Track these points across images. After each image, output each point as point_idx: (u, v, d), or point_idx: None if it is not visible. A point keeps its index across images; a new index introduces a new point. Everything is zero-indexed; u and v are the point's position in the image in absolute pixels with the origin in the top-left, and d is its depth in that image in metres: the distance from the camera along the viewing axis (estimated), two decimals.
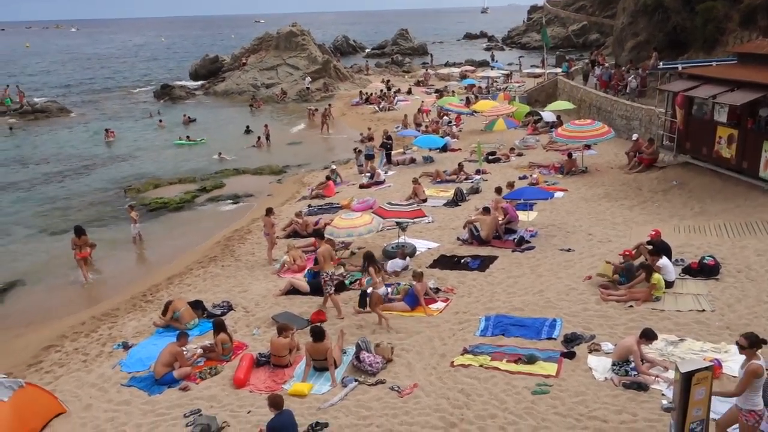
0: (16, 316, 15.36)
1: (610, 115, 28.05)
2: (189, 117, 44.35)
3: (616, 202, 19.01)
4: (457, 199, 20.99)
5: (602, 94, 30.19)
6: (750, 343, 6.82)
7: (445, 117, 36.93)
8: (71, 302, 16.12)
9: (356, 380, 10.08)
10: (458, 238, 16.93)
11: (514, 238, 16.32)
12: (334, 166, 26.61)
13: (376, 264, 12.94)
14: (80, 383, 10.96)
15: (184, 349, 10.98)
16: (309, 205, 22.51)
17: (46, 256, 19.43)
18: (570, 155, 23.57)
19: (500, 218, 16.90)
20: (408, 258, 15.30)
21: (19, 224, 23.51)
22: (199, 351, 11.43)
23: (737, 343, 7.11)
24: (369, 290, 12.79)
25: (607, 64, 34.74)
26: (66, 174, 31.32)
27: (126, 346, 12.23)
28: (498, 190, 18.57)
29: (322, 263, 12.78)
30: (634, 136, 23.35)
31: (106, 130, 39.89)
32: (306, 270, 15.09)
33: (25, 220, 24.03)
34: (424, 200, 21.09)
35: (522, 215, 17.52)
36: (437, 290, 13.41)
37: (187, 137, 37.81)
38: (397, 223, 16.11)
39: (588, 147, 24.47)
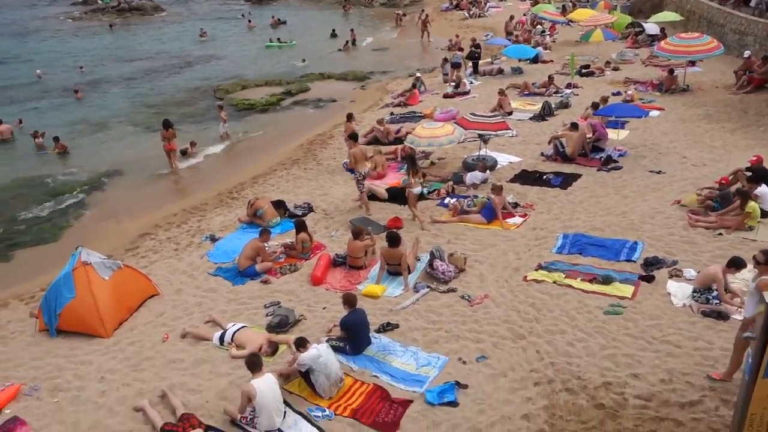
0: (115, 204, 16.44)
1: (721, 29, 25.73)
2: (278, 19, 44.22)
3: (717, 125, 17.77)
4: (544, 114, 20.26)
5: (716, 6, 27.56)
6: (766, 259, 7.15)
7: (538, 26, 35.04)
8: (164, 194, 17.06)
9: (428, 287, 10.30)
10: (542, 154, 16.46)
11: (601, 157, 15.70)
12: (419, 74, 26.06)
13: (416, 166, 13.25)
14: (172, 269, 11.76)
15: (266, 245, 11.48)
16: (391, 113, 22.35)
17: (141, 150, 20.47)
18: (671, 71, 21.99)
19: (588, 135, 16.23)
20: (488, 171, 15.08)
21: (117, 119, 24.74)
22: (280, 248, 11.94)
23: (754, 258, 7.39)
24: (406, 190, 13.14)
25: None
26: (161, 71, 32.39)
27: (213, 239, 12.92)
28: (594, 106, 17.71)
29: (353, 163, 13.43)
30: (747, 53, 21.42)
31: (201, 30, 40.48)
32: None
33: (124, 115, 25.24)
34: (510, 113, 20.47)
35: (612, 133, 16.74)
36: (516, 205, 13.24)
37: (278, 39, 37.88)
38: (480, 135, 15.78)
39: (692, 63, 22.73)
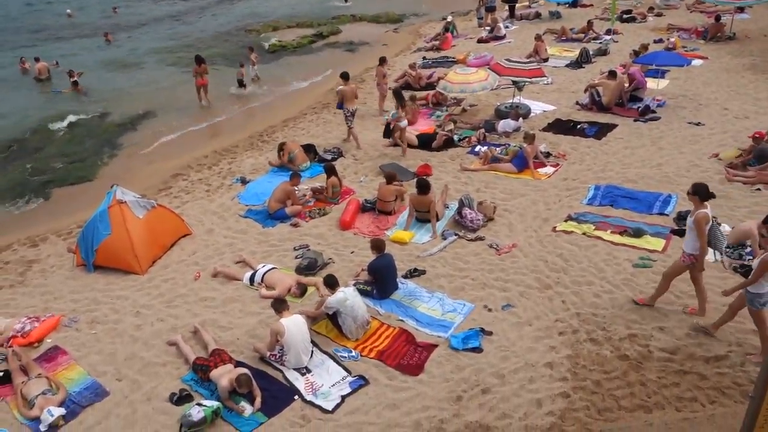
0: (148, 144, 16.63)
1: None
2: None
3: (763, 75, 17.09)
4: (581, 60, 19.70)
5: None
6: (695, 191, 7.44)
7: None
8: (195, 135, 17.17)
9: (456, 234, 10.31)
10: (577, 103, 16.08)
11: (639, 107, 15.28)
12: (450, 18, 25.37)
13: (402, 101, 14.12)
14: (203, 210, 11.95)
15: (296, 188, 11.55)
16: (423, 58, 21.94)
17: (173, 90, 20.54)
18: (718, 18, 21.06)
19: (626, 84, 15.76)
20: (521, 119, 14.81)
21: (150, 59, 24.77)
22: (310, 192, 12.02)
23: (688, 192, 7.67)
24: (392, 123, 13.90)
25: None
26: (193, 12, 32.07)
27: (244, 181, 13.05)
28: (634, 53, 17.14)
29: (341, 99, 14.32)
30: None
31: None
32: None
33: (156, 55, 25.24)
34: (546, 59, 19.94)
35: (651, 82, 16.21)
36: (548, 154, 13.04)
37: None
38: (514, 82, 15.44)
39: (741, 9, 21.71)
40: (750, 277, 6.89)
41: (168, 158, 15.43)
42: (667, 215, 10.44)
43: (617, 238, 9.83)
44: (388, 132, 14.22)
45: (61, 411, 6.94)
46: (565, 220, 10.48)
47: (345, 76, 14.67)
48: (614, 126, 14.51)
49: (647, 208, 10.69)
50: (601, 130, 14.27)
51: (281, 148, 13.51)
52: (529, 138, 12.55)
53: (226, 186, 13.00)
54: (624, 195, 11.16)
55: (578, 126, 14.58)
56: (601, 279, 8.83)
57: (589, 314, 8.15)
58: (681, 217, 10.18)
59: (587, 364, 7.31)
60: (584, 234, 9.99)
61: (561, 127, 14.72)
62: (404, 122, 13.70)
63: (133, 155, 16.06)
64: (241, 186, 12.86)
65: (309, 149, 13.85)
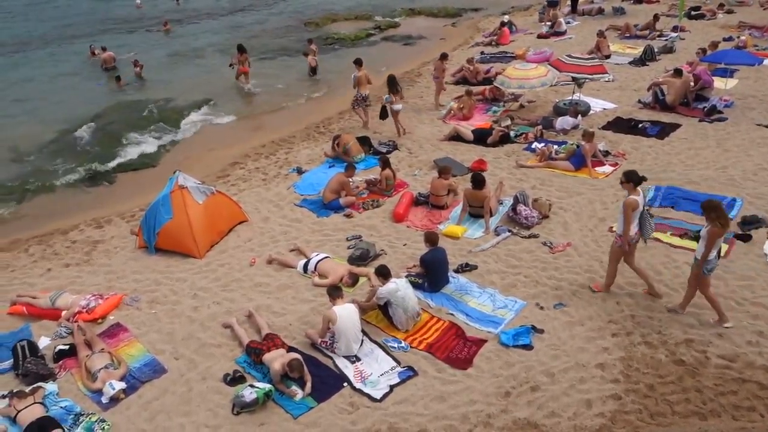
0: (207, 133, 17.08)
1: None
2: None
3: None
4: (645, 58, 19.17)
5: None
6: (628, 178, 7.95)
7: None
8: (253, 126, 17.54)
9: (510, 231, 10.23)
10: (639, 101, 15.66)
11: (705, 107, 14.77)
12: (507, 18, 25.02)
13: (396, 86, 14.65)
14: (260, 198, 12.22)
15: (350, 180, 11.68)
16: (482, 52, 21.77)
17: (233, 77, 21.01)
18: None
19: (692, 83, 15.25)
20: (580, 116, 14.53)
21: (210, 50, 25.38)
22: (364, 183, 12.12)
23: (621, 181, 8.23)
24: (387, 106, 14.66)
25: None
26: (255, 4, 32.64)
27: (300, 171, 13.26)
28: (702, 51, 16.58)
29: (356, 83, 14.92)
30: None
31: None
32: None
33: (216, 45, 25.83)
34: (608, 56, 19.50)
35: (719, 81, 15.64)
36: (606, 153, 12.76)
37: None
38: (574, 78, 15.15)
39: None
40: (703, 251, 7.44)
41: (226, 147, 15.80)
42: (731, 219, 10.07)
43: (676, 241, 9.57)
44: (384, 113, 15.10)
45: (122, 385, 7.25)
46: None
47: (358, 62, 15.20)
48: (678, 126, 14.07)
49: None
50: (663, 130, 13.87)
51: (336, 139, 13.67)
52: (588, 136, 12.31)
53: (282, 175, 13.24)
54: (686, 197, 10.83)
55: (640, 125, 14.20)
56: (658, 282, 8.61)
57: (644, 317, 7.98)
58: (746, 222, 9.85)
59: (641, 367, 7.16)
60: None
61: (621, 125, 14.37)
62: (398, 106, 14.57)
63: (194, 143, 16.53)
64: (296, 176, 13.07)
65: (364, 141, 13.97)
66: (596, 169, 12.16)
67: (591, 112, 15.21)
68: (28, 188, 14.01)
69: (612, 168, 12.24)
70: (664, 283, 8.58)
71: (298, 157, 14.22)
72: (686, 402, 6.64)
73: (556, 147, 12.96)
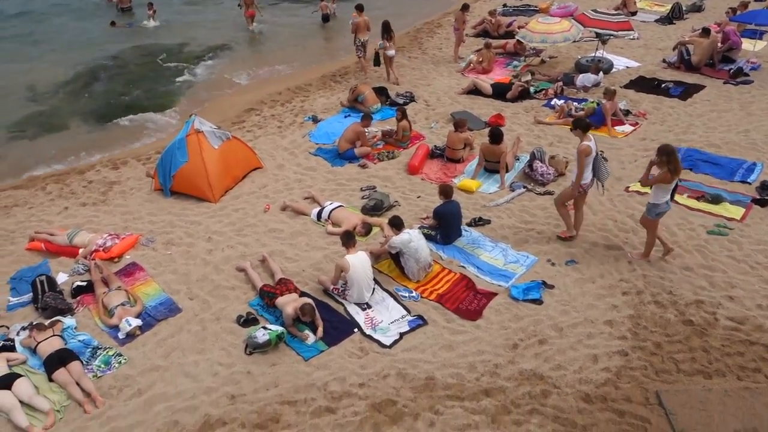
0: (223, 77, 16.94)
1: None
2: None
3: None
4: (672, 16, 18.67)
5: None
6: (575, 125, 8.29)
7: None
8: (270, 72, 17.34)
9: (525, 187, 10.19)
10: (664, 60, 15.32)
11: (731, 68, 14.43)
12: None
13: (390, 32, 14.53)
14: (275, 145, 12.19)
15: (366, 130, 11.60)
16: (504, 5, 21.28)
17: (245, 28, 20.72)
18: None
19: (719, 43, 14.86)
20: (601, 74, 14.25)
21: None
22: (380, 134, 12.05)
23: (570, 129, 8.75)
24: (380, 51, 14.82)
25: None
26: None
27: (315, 120, 13.18)
28: (733, 11, 16.08)
29: (355, 30, 14.89)
30: None
31: None
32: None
33: None
34: (634, 13, 18.99)
35: (747, 43, 15.24)
36: (627, 113, 12.57)
37: None
38: (598, 35, 14.79)
39: None
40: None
41: (242, 93, 15.70)
42: (749, 183, 9.98)
43: (693, 203, 9.50)
44: (377, 60, 15.18)
45: (138, 322, 7.42)
46: (640, 181, 10.15)
47: (359, 8, 15.11)
48: (702, 87, 13.79)
49: (729, 175, 10.24)
50: (686, 91, 13.60)
51: (353, 89, 13.52)
52: (609, 94, 12.11)
53: (297, 123, 13.17)
54: (705, 159, 10.70)
55: (663, 85, 13.92)
56: (672, 243, 8.57)
57: (656, 277, 8.00)
58: (764, 187, 9.73)
59: (649, 326, 7.22)
60: None
61: (644, 84, 14.09)
62: (391, 51, 14.70)
63: (209, 88, 16.41)
64: (312, 124, 13.00)
65: (381, 92, 13.82)
66: (615, 128, 12.00)
67: (613, 69, 14.91)
68: (44, 127, 14.07)
69: (632, 128, 12.07)
70: (678, 245, 8.55)
71: (314, 105, 14.12)
72: (692, 361, 6.70)
73: (575, 104, 12.77)
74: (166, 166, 10.41)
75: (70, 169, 11.94)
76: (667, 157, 7.48)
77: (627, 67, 15.23)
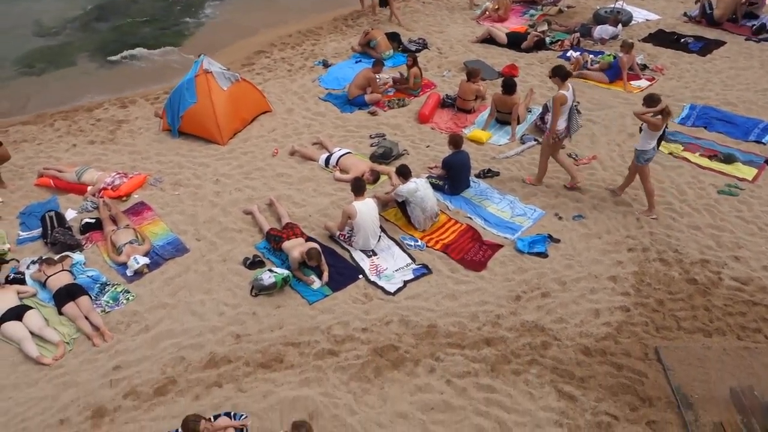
0: (233, 17, 16.59)
1: None
2: None
3: None
4: None
5: None
6: (554, 72, 8.30)
7: None
8: (280, 12, 16.96)
9: (535, 140, 10.07)
10: (685, 14, 14.88)
11: (754, 25, 14.02)
12: None
13: None
14: (284, 89, 12.04)
15: (377, 76, 11.42)
16: None
17: None
18: None
19: None
20: (620, 26, 13.86)
21: None
22: (391, 81, 11.86)
23: (548, 75, 8.74)
24: None
25: None
26: None
27: (326, 64, 12.96)
28: None
29: None
30: None
31: None
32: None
33: None
34: None
35: None
36: (644, 67, 12.29)
37: None
38: None
39: None
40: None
41: (252, 34, 15.36)
42: (764, 144, 9.85)
43: (705, 162, 9.40)
44: (383, 1, 15.15)
45: (146, 260, 7.51)
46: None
47: None
48: (722, 43, 13.44)
49: (743, 134, 10.09)
50: (706, 46, 13.26)
51: (365, 34, 13.25)
52: (627, 47, 11.82)
53: (307, 67, 12.97)
54: (720, 118, 10.53)
55: (682, 39, 13.57)
56: (681, 201, 8.56)
57: (663, 234, 7.99)
58: None
59: (652, 283, 7.25)
60: (671, 154, 9.59)
61: (663, 38, 13.73)
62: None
63: (218, 28, 16.09)
64: (322, 69, 12.80)
65: (393, 38, 13.52)
66: (631, 82, 11.77)
67: (633, 22, 14.52)
68: (52, 63, 13.91)
69: (648, 83, 11.83)
70: (687, 203, 8.51)
71: (324, 49, 13.86)
72: (693, 319, 6.76)
73: (591, 56, 12.49)
74: (174, 107, 10.32)
75: (78, 107, 11.85)
76: (655, 104, 7.72)
77: (647, 19, 14.82)
